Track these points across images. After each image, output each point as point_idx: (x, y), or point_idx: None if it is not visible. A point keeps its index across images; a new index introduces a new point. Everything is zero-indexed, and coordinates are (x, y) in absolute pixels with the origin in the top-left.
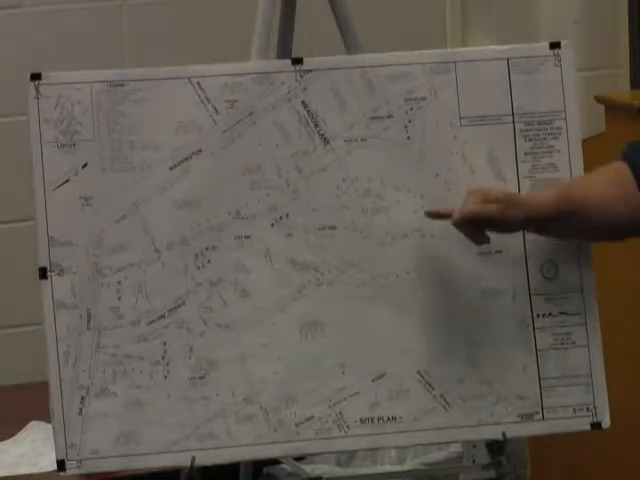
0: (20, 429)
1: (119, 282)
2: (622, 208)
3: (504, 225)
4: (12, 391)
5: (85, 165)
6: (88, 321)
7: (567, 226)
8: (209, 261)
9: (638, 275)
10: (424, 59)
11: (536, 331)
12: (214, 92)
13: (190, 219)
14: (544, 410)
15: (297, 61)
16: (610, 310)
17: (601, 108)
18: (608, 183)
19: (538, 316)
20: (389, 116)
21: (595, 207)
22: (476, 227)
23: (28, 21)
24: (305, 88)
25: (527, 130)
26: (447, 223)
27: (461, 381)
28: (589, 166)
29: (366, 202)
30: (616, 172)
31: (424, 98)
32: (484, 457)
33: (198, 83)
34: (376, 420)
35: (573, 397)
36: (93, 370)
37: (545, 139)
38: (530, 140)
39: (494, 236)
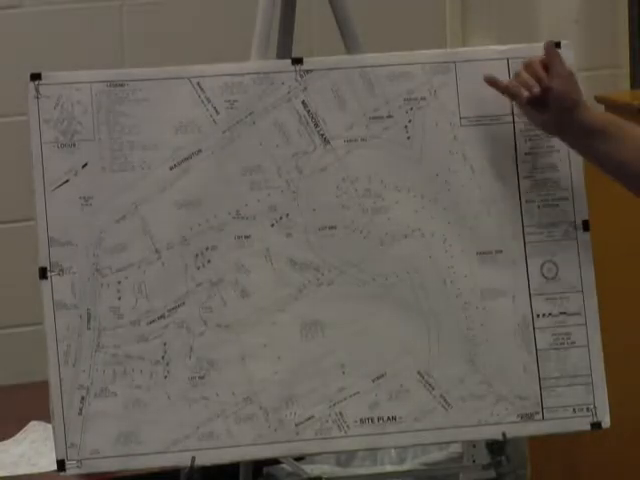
0: (20, 429)
1: (119, 282)
2: None
3: (567, 98)
4: (12, 391)
5: (85, 165)
6: (88, 321)
7: (608, 148)
8: (209, 261)
9: (638, 275)
10: (424, 59)
11: (536, 331)
12: (214, 92)
13: (190, 219)
14: (544, 410)
15: (297, 61)
16: (610, 310)
17: (601, 108)
18: None
19: (538, 316)
20: (389, 116)
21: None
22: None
23: (28, 21)
24: (305, 88)
25: (527, 130)
26: (447, 223)
27: (461, 381)
28: (589, 166)
29: (366, 202)
30: None
31: (424, 98)
32: (484, 457)
33: (198, 83)
34: (376, 420)
35: (573, 397)
36: (93, 370)
37: (545, 139)
38: (530, 140)
39: (494, 236)
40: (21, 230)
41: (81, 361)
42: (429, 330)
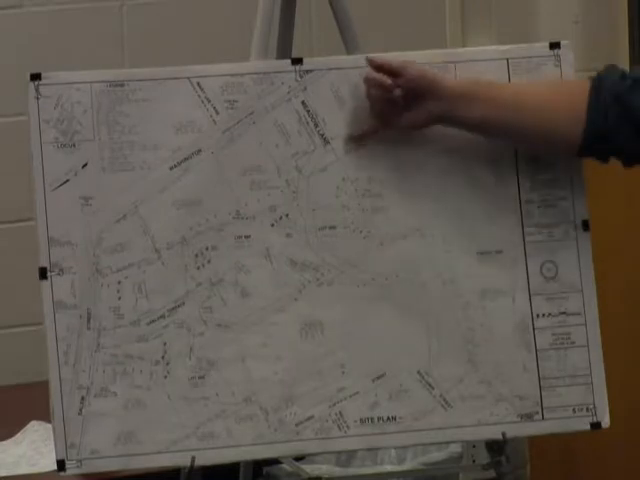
0: (20, 429)
1: (119, 282)
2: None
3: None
4: (12, 391)
5: (85, 165)
6: (88, 321)
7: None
8: (209, 261)
9: (638, 274)
10: (424, 59)
11: (536, 331)
12: (214, 92)
13: (190, 219)
14: (544, 410)
15: (297, 61)
16: (610, 310)
17: None
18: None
19: (538, 316)
20: None
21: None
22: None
23: (28, 21)
24: (305, 88)
25: None
26: (447, 223)
27: (461, 381)
28: (589, 166)
29: (366, 202)
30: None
31: None
32: (484, 457)
33: (198, 83)
34: (376, 420)
35: (573, 397)
36: (93, 370)
37: None
38: None
39: (494, 236)
40: (21, 230)
41: (81, 361)
42: (429, 330)
